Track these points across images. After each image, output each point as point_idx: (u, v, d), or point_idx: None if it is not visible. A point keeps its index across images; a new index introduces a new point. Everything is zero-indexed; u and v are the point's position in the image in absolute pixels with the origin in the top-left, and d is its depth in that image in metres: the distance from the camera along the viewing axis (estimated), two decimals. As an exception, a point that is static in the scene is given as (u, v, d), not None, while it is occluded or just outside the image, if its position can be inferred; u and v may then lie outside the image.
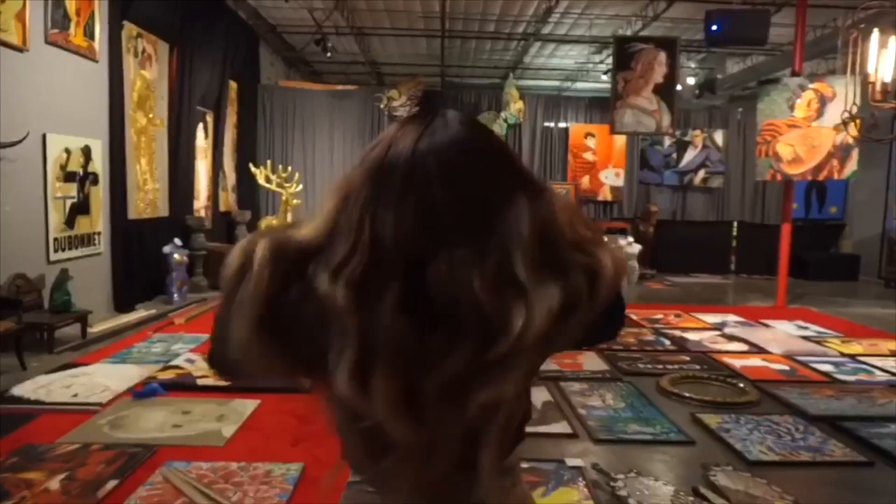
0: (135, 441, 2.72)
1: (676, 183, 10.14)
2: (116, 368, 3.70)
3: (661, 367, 4.06)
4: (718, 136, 10.07)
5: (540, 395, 3.52)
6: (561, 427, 3.07)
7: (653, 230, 9.61)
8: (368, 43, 10.44)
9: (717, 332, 5.28)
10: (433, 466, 0.68)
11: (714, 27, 6.40)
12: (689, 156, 9.95)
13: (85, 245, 5.13)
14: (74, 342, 4.55)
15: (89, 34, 5.20)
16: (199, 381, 3.47)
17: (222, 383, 3.57)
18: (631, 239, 8.86)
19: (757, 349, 4.68)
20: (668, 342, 4.91)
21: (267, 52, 10.15)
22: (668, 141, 9.90)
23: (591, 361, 4.17)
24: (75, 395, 3.24)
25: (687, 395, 3.39)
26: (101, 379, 3.49)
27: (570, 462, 2.55)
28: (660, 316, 6.05)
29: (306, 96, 10.01)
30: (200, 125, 7.66)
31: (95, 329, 4.84)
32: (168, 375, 3.55)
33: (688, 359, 4.43)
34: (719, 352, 4.59)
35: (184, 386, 3.42)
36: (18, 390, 3.31)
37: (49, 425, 2.95)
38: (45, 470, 2.43)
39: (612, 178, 10.00)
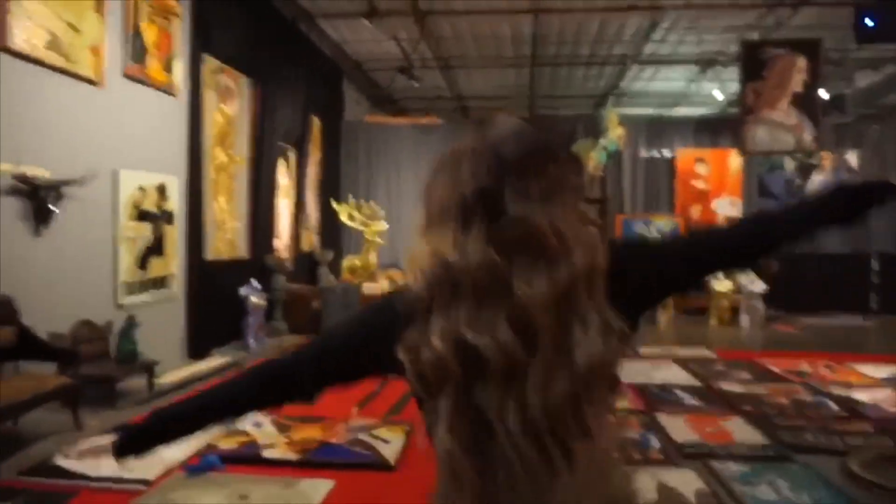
0: (178, 538, 2.16)
1: (802, 212, 8.95)
2: (175, 431, 3.21)
3: (838, 439, 3.16)
4: (851, 157, 8.85)
5: (690, 483, 2.71)
6: (733, 536, 2.26)
7: (777, 265, 8.47)
8: (455, 76, 10.07)
9: (893, 390, 4.24)
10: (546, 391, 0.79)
11: (869, 21, 5.38)
12: (817, 180, 8.76)
13: (158, 288, 4.81)
14: (141, 395, 4.16)
15: (168, 68, 4.99)
16: (265, 453, 2.92)
17: (291, 457, 3.00)
18: (753, 277, 7.81)
19: (961, 415, 3.63)
20: (833, 404, 3.94)
21: (352, 90, 9.96)
22: (790, 165, 8.79)
23: (741, 431, 3.25)
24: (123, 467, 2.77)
25: (896, 486, 2.46)
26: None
27: None
28: (806, 367, 4.98)
29: (391, 133, 9.68)
30: (282, 163, 7.41)
31: (164, 379, 4.45)
32: (230, 444, 3.00)
33: (870, 429, 3.46)
34: (911, 419, 3.59)
35: (246, 458, 2.86)
36: (63, 459, 2.87)
37: (87, 507, 2.47)
38: (62, 580, 1.89)
39: (726, 207, 8.93)
